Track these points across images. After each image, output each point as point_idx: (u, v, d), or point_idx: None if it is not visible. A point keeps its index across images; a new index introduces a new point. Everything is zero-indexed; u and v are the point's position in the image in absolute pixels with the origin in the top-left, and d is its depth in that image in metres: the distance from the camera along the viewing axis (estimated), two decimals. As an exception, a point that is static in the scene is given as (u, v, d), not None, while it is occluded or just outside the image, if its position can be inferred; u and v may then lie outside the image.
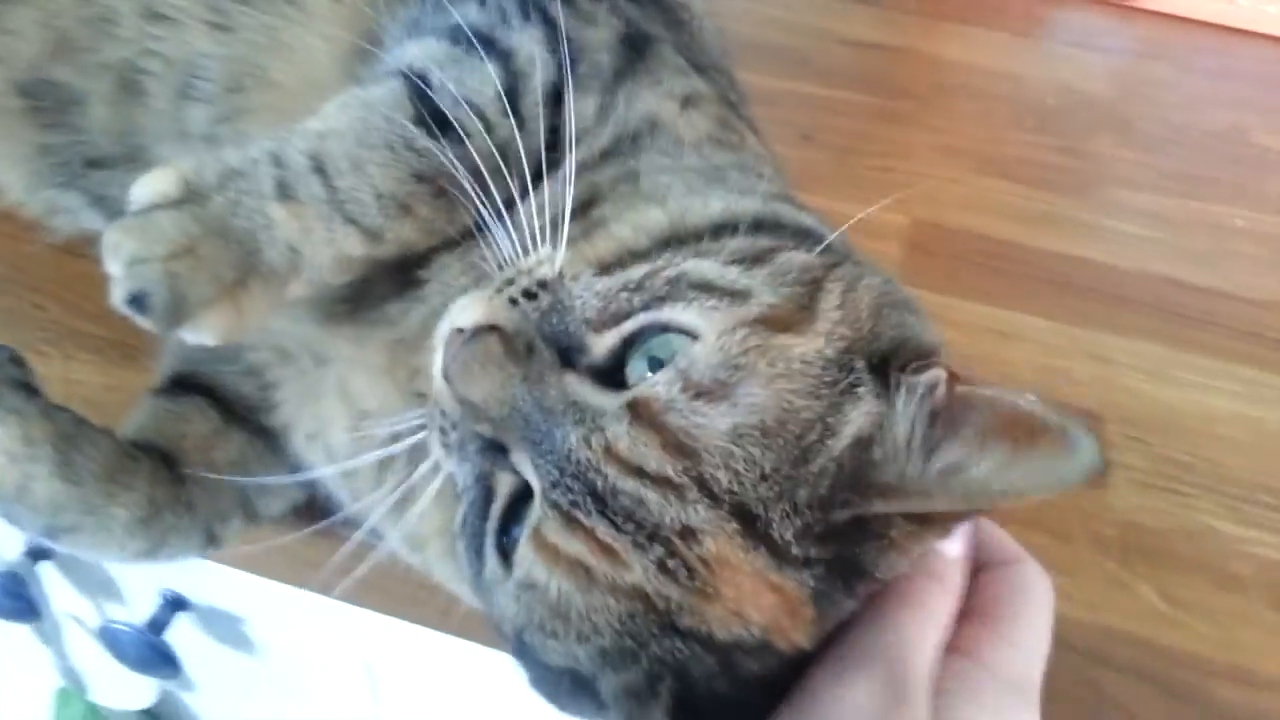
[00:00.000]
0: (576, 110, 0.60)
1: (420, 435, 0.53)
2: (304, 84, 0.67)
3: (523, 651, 0.47)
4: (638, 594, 0.43)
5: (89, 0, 0.69)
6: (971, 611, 0.46)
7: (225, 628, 0.93)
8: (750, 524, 0.43)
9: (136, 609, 0.93)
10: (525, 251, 0.52)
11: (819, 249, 0.51)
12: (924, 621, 0.44)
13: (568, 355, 0.47)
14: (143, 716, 1.14)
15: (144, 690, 1.08)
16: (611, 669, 0.44)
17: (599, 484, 0.43)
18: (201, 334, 0.52)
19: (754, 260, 0.49)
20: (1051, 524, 0.74)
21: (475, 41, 0.59)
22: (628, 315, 0.47)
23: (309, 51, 0.67)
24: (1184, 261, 0.97)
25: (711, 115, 0.66)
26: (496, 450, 0.47)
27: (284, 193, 0.53)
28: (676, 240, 0.54)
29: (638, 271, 0.49)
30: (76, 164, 0.73)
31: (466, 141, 0.55)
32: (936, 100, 1.12)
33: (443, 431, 0.49)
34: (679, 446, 0.43)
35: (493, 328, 0.47)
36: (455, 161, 0.54)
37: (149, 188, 0.52)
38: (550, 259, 0.51)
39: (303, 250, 0.53)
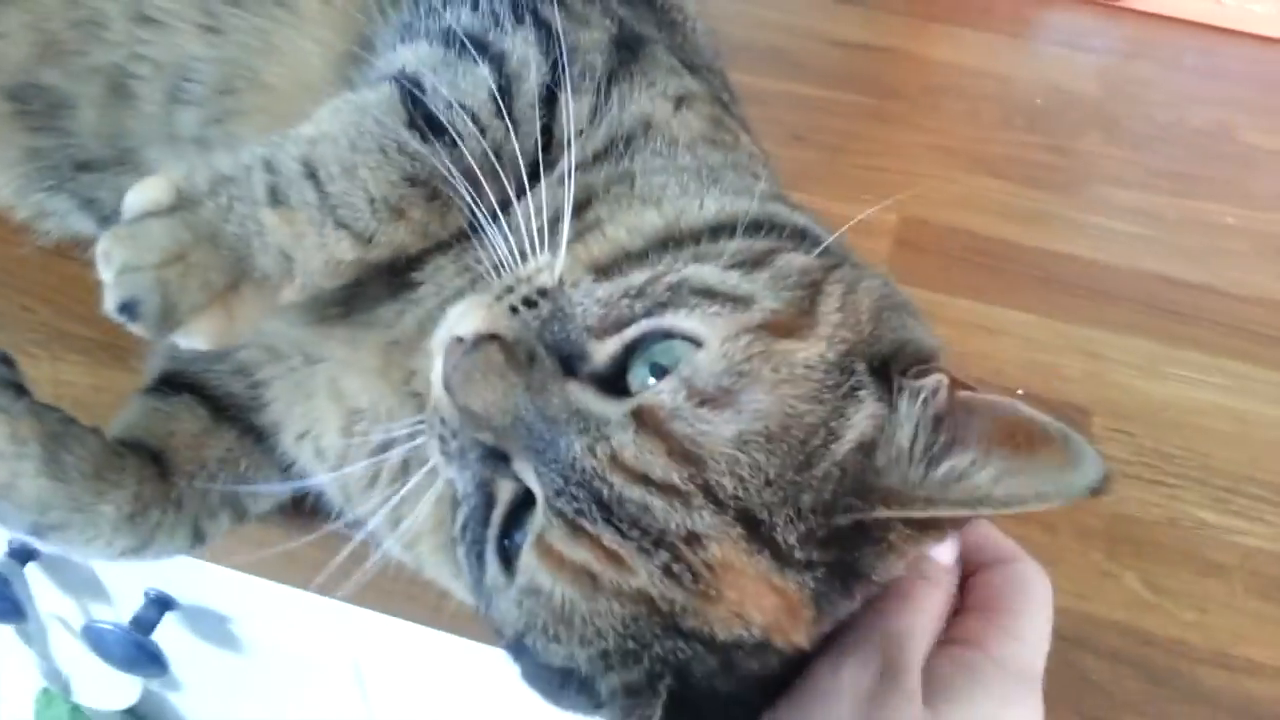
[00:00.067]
0: (570, 112, 0.60)
1: (414, 444, 0.53)
2: (296, 86, 0.66)
3: (521, 652, 0.48)
4: (642, 598, 0.43)
5: (77, 3, 0.69)
6: (976, 607, 0.47)
7: (212, 626, 0.93)
8: (754, 528, 0.43)
9: (122, 608, 0.93)
10: (523, 256, 0.52)
11: (817, 251, 0.51)
12: (915, 614, 0.45)
13: (569, 363, 0.48)
14: (125, 716, 1.13)
15: (127, 690, 1.08)
16: (613, 669, 0.45)
17: (604, 492, 0.44)
18: (193, 339, 0.52)
19: (754, 264, 0.49)
20: (1038, 515, 0.73)
21: (468, 44, 0.59)
22: (629, 322, 0.48)
23: (300, 54, 0.67)
24: (1172, 258, 0.98)
25: (705, 115, 0.66)
26: (498, 458, 0.47)
27: (276, 198, 0.53)
28: (673, 242, 0.54)
29: (638, 277, 0.49)
30: (66, 167, 0.73)
31: (460, 144, 0.55)
32: (926, 100, 1.12)
33: (442, 439, 0.49)
34: (684, 454, 0.43)
35: (493, 336, 0.47)
36: (449, 164, 0.54)
37: (142, 195, 0.52)
38: (550, 266, 0.51)
39: (295, 255, 0.53)
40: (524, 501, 0.47)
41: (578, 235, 0.55)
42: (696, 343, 0.46)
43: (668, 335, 0.47)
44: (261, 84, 0.67)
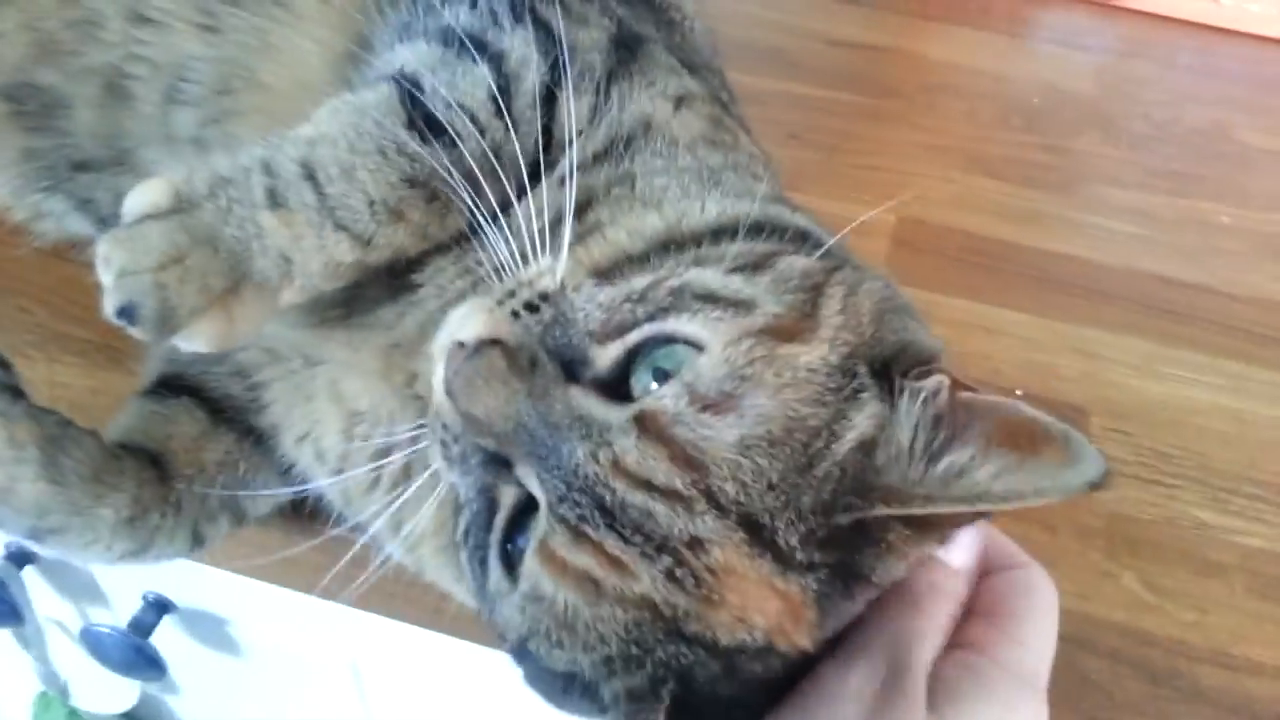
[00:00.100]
0: (571, 112, 0.60)
1: (415, 447, 0.53)
2: (294, 86, 0.66)
3: (524, 656, 0.48)
4: (645, 604, 0.43)
5: (73, 3, 0.68)
6: (981, 612, 0.47)
7: (210, 629, 0.93)
8: (756, 532, 0.43)
9: (120, 612, 0.93)
10: (524, 258, 0.52)
11: (819, 253, 0.51)
12: (922, 621, 0.45)
13: (571, 368, 0.47)
14: (122, 720, 1.13)
15: (125, 694, 1.07)
16: (616, 675, 0.44)
17: (607, 498, 0.44)
18: (194, 343, 0.52)
19: (755, 267, 0.49)
20: (1037, 515, 0.75)
21: (466, 44, 0.59)
22: (632, 327, 0.47)
23: (299, 54, 0.66)
24: (1169, 258, 0.98)
25: (704, 115, 0.66)
26: (500, 463, 0.47)
27: (275, 200, 0.53)
28: (674, 245, 0.54)
29: (640, 282, 0.49)
30: (62, 168, 0.72)
31: (459, 145, 0.55)
32: (923, 99, 1.12)
33: (444, 444, 0.49)
34: (687, 459, 0.43)
35: (495, 341, 0.47)
36: (449, 165, 0.54)
37: (141, 198, 0.51)
38: (551, 270, 0.51)
39: (294, 258, 0.53)
40: (527, 507, 0.47)
41: (578, 238, 0.55)
42: (699, 347, 0.46)
43: (670, 340, 0.47)
44: (259, 84, 0.67)
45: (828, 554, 0.44)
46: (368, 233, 0.54)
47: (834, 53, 1.17)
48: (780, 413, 0.44)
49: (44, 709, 1.12)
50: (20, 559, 0.89)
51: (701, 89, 0.68)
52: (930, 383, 0.45)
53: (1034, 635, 0.46)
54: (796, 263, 0.50)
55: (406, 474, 0.57)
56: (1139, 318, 0.92)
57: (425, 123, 0.56)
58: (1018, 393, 0.84)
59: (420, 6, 0.63)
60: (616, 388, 0.47)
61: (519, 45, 0.60)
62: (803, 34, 1.17)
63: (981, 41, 1.20)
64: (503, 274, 0.52)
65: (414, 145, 0.54)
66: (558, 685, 0.47)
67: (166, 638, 0.91)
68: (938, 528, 0.46)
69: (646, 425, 0.44)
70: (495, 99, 0.57)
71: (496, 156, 0.56)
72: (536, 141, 0.59)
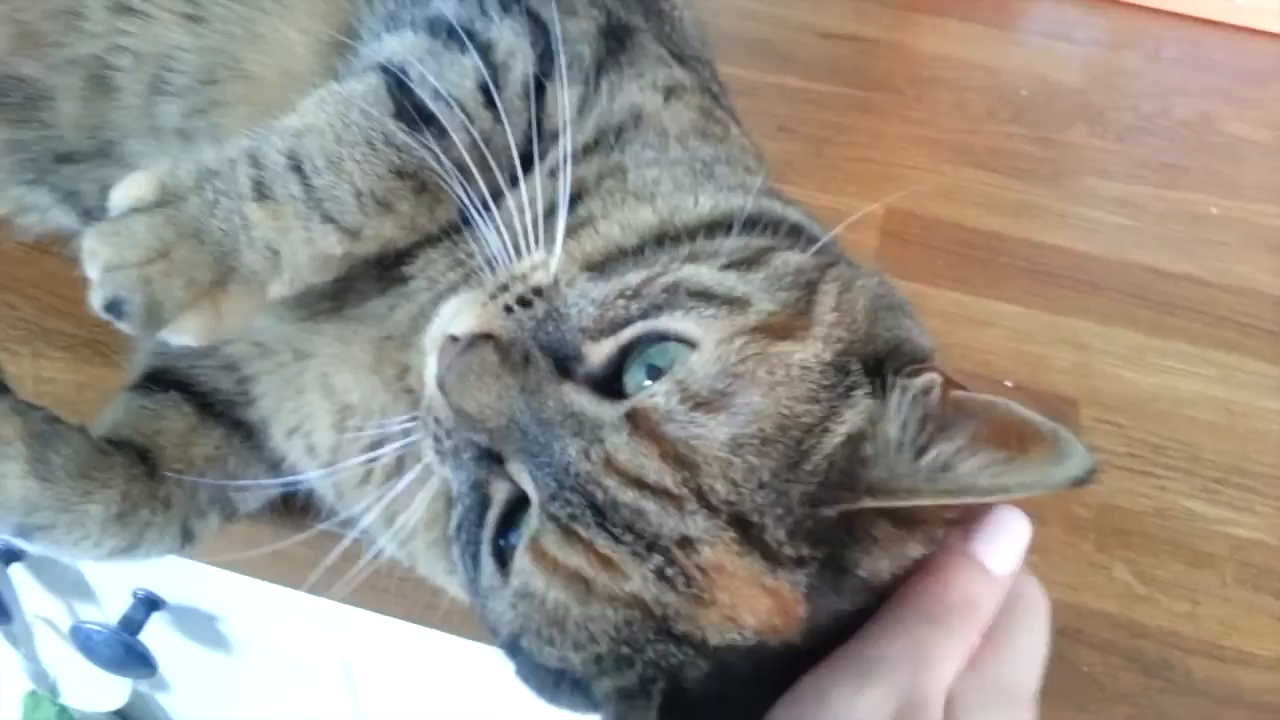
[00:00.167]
0: (561, 102, 0.59)
1: (407, 440, 0.52)
2: (281, 76, 0.65)
3: (516, 652, 0.47)
4: (635, 602, 0.43)
5: None
6: None
7: (200, 626, 0.93)
8: (746, 530, 0.43)
9: (110, 609, 0.92)
10: (516, 251, 0.51)
11: (813, 250, 0.51)
12: (949, 644, 0.42)
13: (564, 365, 0.47)
14: (113, 718, 1.13)
15: (115, 691, 1.07)
16: (606, 674, 0.44)
17: (598, 496, 0.43)
18: (181, 336, 0.51)
19: (749, 263, 0.49)
20: (1027, 506, 0.74)
21: (454, 33, 0.58)
22: (625, 323, 0.47)
23: (285, 43, 0.66)
24: (1158, 249, 0.98)
25: (695, 106, 0.65)
26: (492, 459, 0.47)
27: (261, 193, 0.52)
28: (668, 239, 0.53)
29: (634, 278, 0.49)
30: (46, 160, 0.71)
31: (448, 135, 0.55)
32: (912, 92, 1.12)
33: (436, 438, 0.49)
34: (678, 457, 0.43)
35: (488, 336, 0.47)
36: (439, 155, 0.53)
37: (126, 192, 0.51)
38: (545, 264, 0.50)
39: (281, 250, 0.53)
40: (519, 502, 0.47)
41: (570, 231, 0.55)
42: (692, 345, 0.46)
43: (663, 337, 0.46)
44: (245, 74, 0.66)
45: (816, 548, 0.43)
46: (356, 224, 0.54)
47: (824, 45, 1.17)
48: (773, 411, 0.44)
49: (33, 707, 1.12)
50: (8, 556, 0.89)
51: (692, 80, 0.68)
52: (922, 380, 0.45)
53: (1024, 644, 0.44)
54: (791, 259, 0.50)
55: (399, 467, 0.57)
56: (1129, 309, 0.92)
57: (414, 112, 0.55)
58: (1008, 384, 0.84)
59: (408, -5, 0.62)
60: (609, 384, 0.46)
61: (507, 35, 0.60)
62: (792, 26, 1.17)
63: (970, 34, 1.20)
64: (495, 267, 0.52)
65: (402, 135, 0.54)
66: (549, 681, 0.47)
67: (156, 635, 0.90)
68: (925, 524, 0.45)
69: (638, 423, 0.44)
70: (484, 89, 0.57)
71: (486, 146, 0.56)
72: (526, 132, 0.58)
